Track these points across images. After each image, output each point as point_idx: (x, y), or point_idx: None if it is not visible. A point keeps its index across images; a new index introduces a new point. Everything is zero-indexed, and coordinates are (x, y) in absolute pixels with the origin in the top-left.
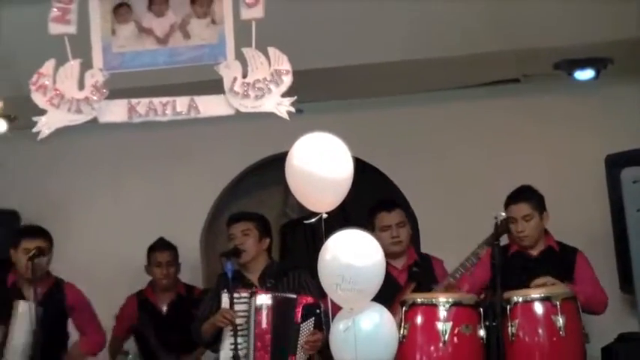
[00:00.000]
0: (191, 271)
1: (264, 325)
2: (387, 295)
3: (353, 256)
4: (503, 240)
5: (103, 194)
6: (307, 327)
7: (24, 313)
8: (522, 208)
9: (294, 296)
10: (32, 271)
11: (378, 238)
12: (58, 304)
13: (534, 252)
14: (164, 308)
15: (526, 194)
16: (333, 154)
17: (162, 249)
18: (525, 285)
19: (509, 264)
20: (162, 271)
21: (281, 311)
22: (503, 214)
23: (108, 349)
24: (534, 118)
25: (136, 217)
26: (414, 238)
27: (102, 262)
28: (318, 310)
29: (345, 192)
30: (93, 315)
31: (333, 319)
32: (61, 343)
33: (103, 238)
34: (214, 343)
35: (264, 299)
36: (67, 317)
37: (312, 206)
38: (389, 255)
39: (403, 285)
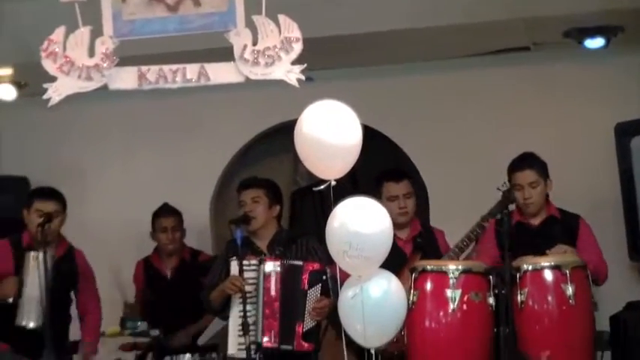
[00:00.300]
0: (200, 239)
1: (272, 292)
2: (394, 264)
3: (360, 223)
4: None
5: (113, 161)
6: (314, 293)
7: (35, 263)
8: (528, 175)
9: (301, 263)
10: (41, 237)
11: (385, 208)
12: (71, 269)
13: (536, 221)
14: (168, 273)
15: (530, 161)
16: (342, 122)
17: (166, 214)
18: (529, 255)
19: (512, 234)
20: (167, 236)
21: (288, 278)
22: (506, 183)
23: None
24: (544, 86)
25: (146, 184)
26: (424, 206)
27: (112, 229)
28: (324, 277)
29: (354, 159)
30: (96, 288)
31: (341, 286)
32: (66, 310)
33: (113, 205)
34: (223, 311)
35: (272, 266)
36: (76, 284)
37: (321, 173)
38: (394, 225)
39: (408, 255)
